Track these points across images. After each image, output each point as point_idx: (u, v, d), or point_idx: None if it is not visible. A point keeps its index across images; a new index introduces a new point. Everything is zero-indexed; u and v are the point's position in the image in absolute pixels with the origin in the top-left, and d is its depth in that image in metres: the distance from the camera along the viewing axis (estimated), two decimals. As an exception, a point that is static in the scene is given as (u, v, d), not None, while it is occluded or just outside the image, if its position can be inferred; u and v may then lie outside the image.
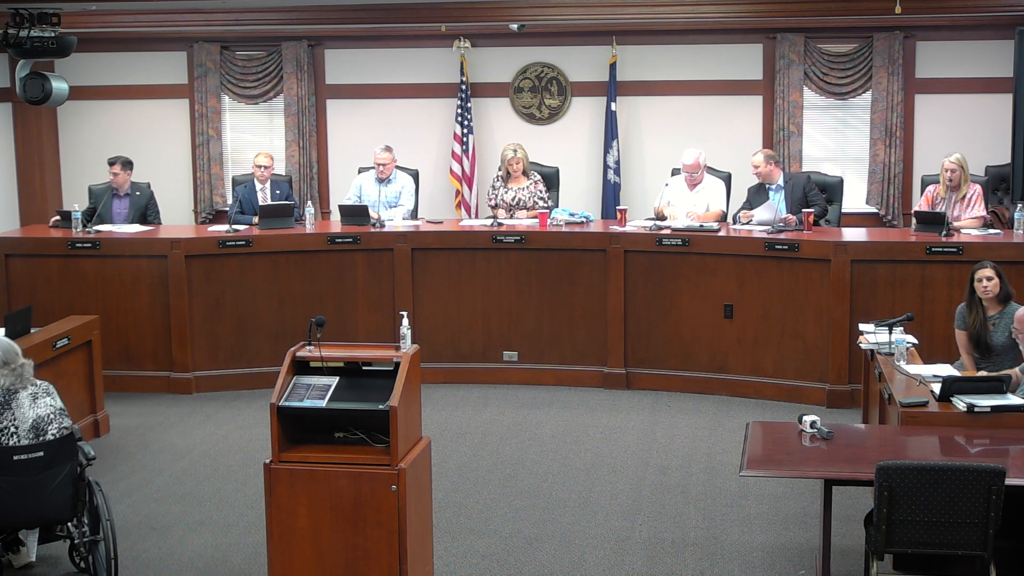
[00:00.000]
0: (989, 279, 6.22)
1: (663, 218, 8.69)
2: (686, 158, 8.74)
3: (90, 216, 8.90)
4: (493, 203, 9.20)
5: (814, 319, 7.94)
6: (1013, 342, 5.90)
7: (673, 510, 6.21)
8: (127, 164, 9.22)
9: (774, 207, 8.38)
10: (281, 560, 4.70)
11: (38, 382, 5.28)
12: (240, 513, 6.26)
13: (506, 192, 9.14)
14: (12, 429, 5.06)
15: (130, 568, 5.54)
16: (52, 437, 5.08)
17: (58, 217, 9.03)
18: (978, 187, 8.36)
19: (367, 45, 10.75)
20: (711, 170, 9.05)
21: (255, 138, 11.01)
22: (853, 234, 8.31)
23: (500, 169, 9.27)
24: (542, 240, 8.52)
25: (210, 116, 10.87)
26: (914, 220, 8.28)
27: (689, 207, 8.67)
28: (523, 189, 9.12)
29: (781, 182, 8.62)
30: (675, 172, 9.11)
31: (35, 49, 6.97)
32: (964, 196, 8.29)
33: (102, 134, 11.01)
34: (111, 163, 9.19)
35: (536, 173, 9.27)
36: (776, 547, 5.74)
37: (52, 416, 5.16)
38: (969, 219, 8.20)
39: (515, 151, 9.10)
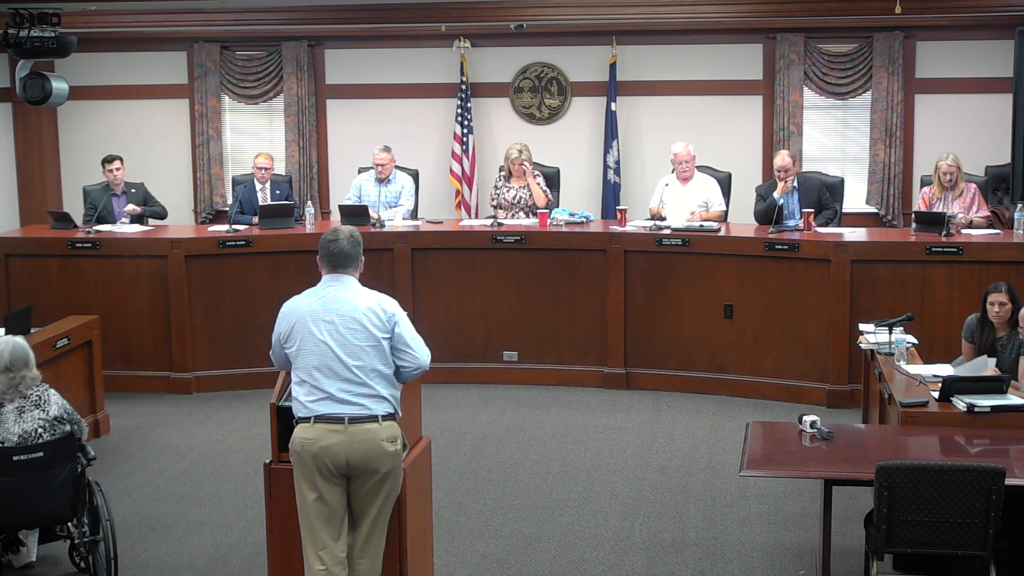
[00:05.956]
0: (1002, 304, 6.11)
1: (660, 218, 8.69)
2: (676, 147, 8.74)
3: (91, 216, 8.91)
4: (495, 203, 9.19)
5: (814, 319, 7.94)
6: (1018, 363, 5.87)
7: (673, 510, 6.21)
8: (122, 159, 9.24)
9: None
10: (281, 560, 4.69)
11: (29, 393, 5.12)
12: (240, 513, 6.26)
13: (508, 191, 9.13)
14: None
15: (130, 568, 5.54)
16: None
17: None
18: (975, 185, 8.39)
19: (367, 45, 10.75)
20: (707, 169, 9.05)
21: (255, 138, 11.01)
22: (853, 234, 8.29)
23: (503, 169, 9.27)
24: (542, 240, 8.52)
25: (210, 116, 10.86)
26: (914, 220, 8.29)
27: (686, 206, 8.66)
28: (525, 188, 9.11)
29: (795, 183, 8.61)
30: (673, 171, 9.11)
31: (35, 49, 6.97)
32: (960, 193, 8.30)
33: (102, 134, 11.00)
34: (111, 160, 9.17)
35: (540, 173, 9.26)
36: (776, 547, 5.74)
37: (41, 429, 5.05)
38: (979, 217, 8.23)
39: (519, 151, 9.07)
